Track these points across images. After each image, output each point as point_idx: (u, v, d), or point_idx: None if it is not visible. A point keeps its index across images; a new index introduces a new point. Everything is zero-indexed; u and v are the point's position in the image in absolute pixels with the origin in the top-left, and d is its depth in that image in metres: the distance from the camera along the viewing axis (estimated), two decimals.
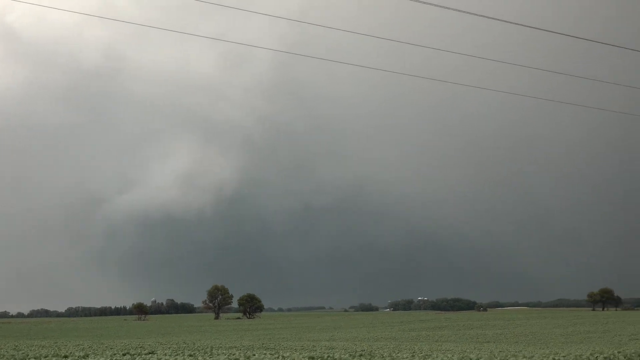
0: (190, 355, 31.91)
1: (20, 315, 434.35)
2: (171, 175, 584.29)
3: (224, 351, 37.73)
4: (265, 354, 34.67)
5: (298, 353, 35.92)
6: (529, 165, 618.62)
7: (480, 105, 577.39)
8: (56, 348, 40.94)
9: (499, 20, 45.65)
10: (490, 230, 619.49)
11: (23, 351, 35.47)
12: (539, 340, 63.21)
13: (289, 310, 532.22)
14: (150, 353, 33.77)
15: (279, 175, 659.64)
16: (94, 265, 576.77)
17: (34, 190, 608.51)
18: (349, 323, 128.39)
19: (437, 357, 32.49)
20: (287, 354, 34.77)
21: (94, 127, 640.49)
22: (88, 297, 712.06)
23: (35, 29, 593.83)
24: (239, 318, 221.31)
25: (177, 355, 32.31)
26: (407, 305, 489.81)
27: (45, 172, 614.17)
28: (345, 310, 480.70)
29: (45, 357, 30.14)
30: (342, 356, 31.57)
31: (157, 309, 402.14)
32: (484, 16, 44.24)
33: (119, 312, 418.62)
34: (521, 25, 47.79)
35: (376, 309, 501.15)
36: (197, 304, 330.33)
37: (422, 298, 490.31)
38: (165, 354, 32.93)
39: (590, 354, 34.78)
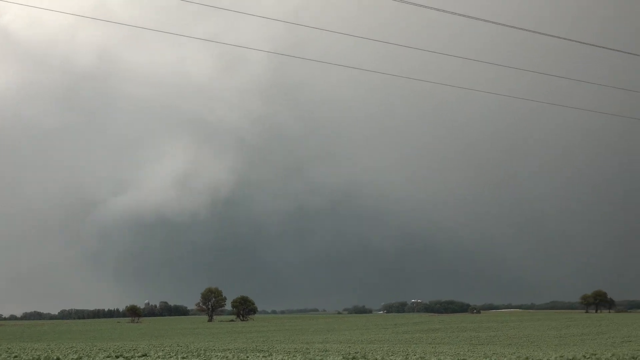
0: (184, 358, 31.87)
1: (13, 317, 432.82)
2: (166, 177, 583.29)
3: (218, 354, 37.70)
4: (258, 356, 34.66)
5: (291, 356, 35.91)
6: (523, 168, 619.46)
7: (477, 108, 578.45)
8: (49, 351, 40.85)
9: (496, 23, 45.80)
10: (483, 232, 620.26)
11: (16, 354, 35.36)
12: (533, 342, 63.30)
13: (283, 312, 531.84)
14: (143, 355, 33.71)
15: (274, 177, 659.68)
16: (87, 267, 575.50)
17: (27, 192, 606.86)
18: (343, 325, 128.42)
19: (430, 359, 32.55)
20: (281, 356, 34.76)
21: (88, 128, 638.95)
22: (81, 300, 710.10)
23: (29, 30, 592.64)
24: (232, 320, 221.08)
25: (170, 357, 32.26)
26: (400, 308, 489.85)
27: (38, 174, 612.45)
28: (339, 313, 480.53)
29: None
30: (336, 358, 31.58)
31: (150, 312, 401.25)
32: (481, 19, 44.37)
33: (112, 314, 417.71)
34: (518, 28, 47.95)
35: (370, 311, 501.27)
36: (191, 306, 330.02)
37: (415, 300, 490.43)
38: (159, 357, 32.88)
39: (584, 356, 34.88)
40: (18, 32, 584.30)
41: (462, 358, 35.61)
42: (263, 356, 35.35)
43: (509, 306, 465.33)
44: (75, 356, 31.84)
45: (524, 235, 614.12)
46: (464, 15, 42.41)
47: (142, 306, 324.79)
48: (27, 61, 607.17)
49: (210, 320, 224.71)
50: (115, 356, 32.15)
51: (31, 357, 31.07)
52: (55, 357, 31.08)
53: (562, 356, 36.91)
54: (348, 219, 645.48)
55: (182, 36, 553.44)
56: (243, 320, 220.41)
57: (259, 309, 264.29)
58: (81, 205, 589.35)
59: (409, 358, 32.95)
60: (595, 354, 38.47)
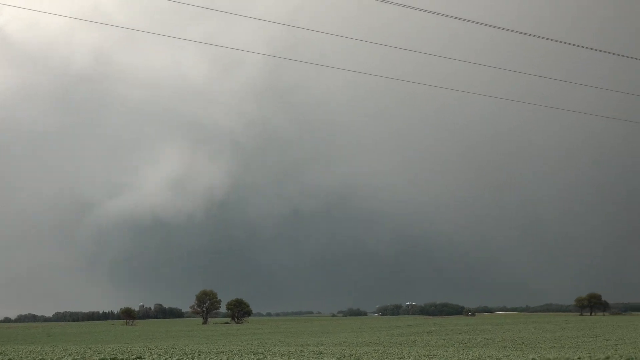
0: None
1: (7, 320, 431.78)
2: (161, 180, 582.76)
3: (212, 356, 37.67)
4: (253, 359, 34.64)
5: (286, 358, 35.91)
6: (521, 172, 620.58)
7: (476, 111, 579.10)
8: (44, 353, 40.75)
9: (497, 27, 45.88)
10: (478, 235, 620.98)
11: (11, 356, 35.27)
12: (527, 345, 63.38)
13: (277, 315, 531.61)
14: (138, 358, 33.67)
15: (269, 180, 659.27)
16: (82, 269, 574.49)
17: (23, 194, 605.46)
18: (337, 328, 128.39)
19: None
20: (276, 359, 34.75)
21: (84, 130, 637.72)
22: (76, 302, 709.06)
23: (25, 32, 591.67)
24: (227, 323, 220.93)
25: (164, 359, 32.22)
26: (395, 310, 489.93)
27: (34, 176, 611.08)
28: (334, 315, 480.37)
29: None
30: None
31: (145, 314, 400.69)
32: (480, 23, 44.43)
33: (106, 316, 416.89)
34: (518, 32, 48.05)
35: (364, 313, 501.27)
36: (186, 308, 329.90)
37: (410, 303, 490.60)
38: (153, 359, 32.83)
39: (579, 358, 34.96)
40: (14, 34, 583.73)
41: None
42: (258, 359, 35.33)
43: (503, 309, 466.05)
44: (70, 358, 31.77)
45: (518, 238, 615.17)
46: (463, 19, 42.51)
47: (136, 308, 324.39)
48: (23, 63, 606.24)
49: (204, 322, 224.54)
50: (110, 358, 32.09)
51: None
52: None
53: (556, 358, 36.98)
54: (343, 221, 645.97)
55: (178, 39, 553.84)
56: (238, 323, 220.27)
57: (253, 312, 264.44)
58: (76, 208, 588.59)
59: None
60: (590, 356, 38.55)
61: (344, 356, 40.73)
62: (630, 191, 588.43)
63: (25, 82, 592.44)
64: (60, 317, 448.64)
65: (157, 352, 40.48)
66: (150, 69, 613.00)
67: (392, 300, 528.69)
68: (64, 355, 38.14)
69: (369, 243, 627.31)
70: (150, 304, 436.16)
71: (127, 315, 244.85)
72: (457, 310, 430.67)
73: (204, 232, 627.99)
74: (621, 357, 37.61)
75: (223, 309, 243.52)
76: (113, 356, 35.08)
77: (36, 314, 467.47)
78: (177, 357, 35.19)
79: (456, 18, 41.45)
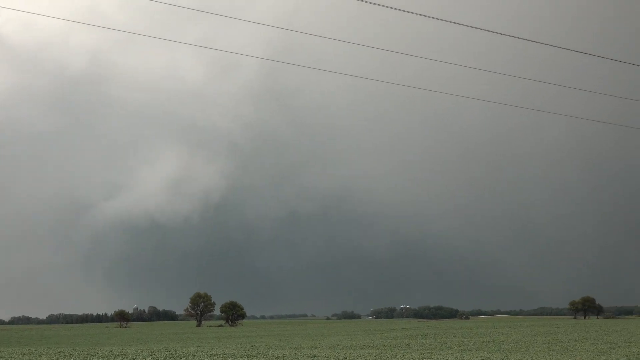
0: None
1: (0, 322, 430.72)
2: (158, 182, 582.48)
3: (206, 359, 37.63)
4: None
5: None
6: (516, 176, 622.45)
7: (472, 115, 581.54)
8: (37, 355, 40.64)
9: (494, 32, 45.98)
10: (473, 239, 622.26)
11: (4, 358, 35.19)
12: (521, 348, 63.46)
13: (272, 317, 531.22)
14: None
15: (266, 182, 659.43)
16: (78, 271, 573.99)
17: (19, 195, 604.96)
18: (332, 331, 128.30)
19: None
20: None
21: (80, 132, 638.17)
22: (70, 304, 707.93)
23: (22, 34, 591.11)
24: (221, 325, 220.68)
25: None
26: (389, 313, 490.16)
27: (30, 178, 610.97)
28: (328, 318, 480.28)
29: None
30: None
31: (139, 316, 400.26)
32: (477, 28, 44.52)
33: (100, 319, 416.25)
34: (514, 37, 48.15)
35: (359, 316, 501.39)
36: (180, 311, 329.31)
37: (404, 306, 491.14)
38: None
39: None
40: (11, 35, 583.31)
41: None
42: None
43: (497, 312, 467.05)
44: None
45: (513, 241, 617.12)
46: (460, 24, 42.60)
47: (130, 311, 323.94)
48: (20, 64, 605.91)
49: (198, 325, 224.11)
50: None
51: None
52: None
53: None
54: (339, 224, 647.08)
55: (176, 42, 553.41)
56: (232, 326, 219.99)
57: (248, 314, 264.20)
58: (73, 209, 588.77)
59: None
60: None
61: (338, 359, 40.75)
62: (623, 195, 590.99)
63: (24, 84, 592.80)
64: (53, 320, 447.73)
65: (151, 355, 40.40)
66: (148, 70, 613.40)
67: (387, 303, 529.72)
68: (58, 358, 38.07)
69: (364, 246, 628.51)
70: (145, 307, 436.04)
71: (121, 317, 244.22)
72: (451, 314, 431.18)
73: (200, 234, 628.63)
74: None
75: (217, 311, 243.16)
76: (107, 359, 35.04)
77: (30, 316, 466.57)
78: (171, 359, 35.15)
79: (454, 23, 41.55)
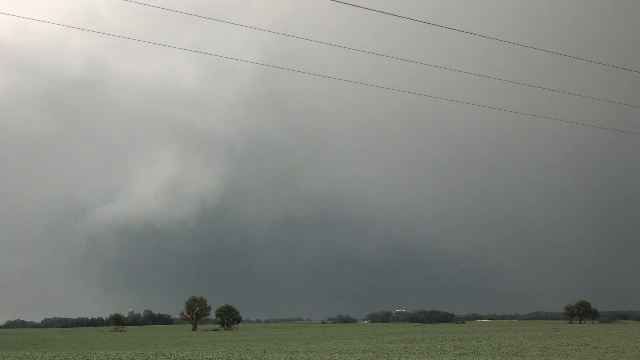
0: None
1: None
2: (154, 185, 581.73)
3: None
4: None
5: None
6: (511, 180, 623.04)
7: (467, 120, 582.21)
8: (32, 359, 40.57)
9: (488, 38, 46.11)
10: (469, 243, 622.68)
11: None
12: (517, 352, 63.49)
13: (267, 321, 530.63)
14: None
15: (262, 186, 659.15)
16: (74, 275, 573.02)
17: (15, 199, 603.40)
18: (327, 335, 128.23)
19: None
20: None
21: (76, 136, 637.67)
22: (66, 308, 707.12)
23: (17, 37, 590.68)
24: (216, 329, 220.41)
25: None
26: (385, 317, 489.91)
27: (27, 181, 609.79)
28: (323, 322, 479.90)
29: None
30: None
31: (134, 320, 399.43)
32: (472, 33, 44.68)
33: (95, 323, 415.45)
34: (511, 43, 48.33)
35: (354, 320, 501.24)
36: (175, 315, 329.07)
37: (400, 310, 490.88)
38: None
39: None
40: (6, 38, 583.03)
41: None
42: None
43: (493, 316, 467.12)
44: None
45: (508, 245, 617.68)
46: (454, 29, 42.74)
47: (126, 315, 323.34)
48: (16, 68, 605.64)
49: (194, 329, 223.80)
50: None
51: None
52: None
53: None
54: (335, 228, 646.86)
55: (172, 47, 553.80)
56: (227, 330, 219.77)
57: (243, 318, 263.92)
58: (69, 213, 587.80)
59: None
60: None
61: None
62: (619, 199, 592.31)
63: (20, 87, 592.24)
64: (49, 323, 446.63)
65: (147, 359, 40.36)
66: (144, 74, 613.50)
67: (382, 307, 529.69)
68: None
69: (360, 250, 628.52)
70: (141, 310, 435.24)
71: (116, 321, 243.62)
72: (447, 318, 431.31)
73: (197, 238, 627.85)
74: None
75: (213, 315, 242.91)
76: None
77: (25, 320, 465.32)
78: None
79: (449, 29, 41.69)
